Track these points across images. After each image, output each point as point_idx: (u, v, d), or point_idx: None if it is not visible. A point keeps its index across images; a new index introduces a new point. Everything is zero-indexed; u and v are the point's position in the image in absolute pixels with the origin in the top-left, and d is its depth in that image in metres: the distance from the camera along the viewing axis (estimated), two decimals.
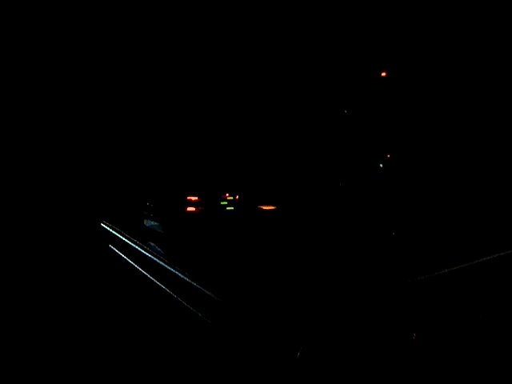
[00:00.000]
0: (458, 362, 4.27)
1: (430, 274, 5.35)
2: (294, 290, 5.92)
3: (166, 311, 5.72)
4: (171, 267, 6.21)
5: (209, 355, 4.73)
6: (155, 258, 6.66)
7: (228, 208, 8.75)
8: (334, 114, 8.28)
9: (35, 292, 6.22)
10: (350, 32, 8.00)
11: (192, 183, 9.14)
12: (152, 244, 8.06)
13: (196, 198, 9.16)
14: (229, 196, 8.78)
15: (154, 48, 8.31)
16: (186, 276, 5.91)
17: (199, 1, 8.22)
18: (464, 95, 7.38)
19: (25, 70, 7.56)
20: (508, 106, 7.14)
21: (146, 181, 9.03)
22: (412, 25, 7.73)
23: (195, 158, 9.10)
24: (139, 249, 7.11)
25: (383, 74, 7.96)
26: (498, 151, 7.09)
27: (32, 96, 7.79)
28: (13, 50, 7.53)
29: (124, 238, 7.63)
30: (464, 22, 7.36)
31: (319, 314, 5.05)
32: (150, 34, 8.26)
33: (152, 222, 9.13)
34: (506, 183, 6.83)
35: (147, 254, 6.92)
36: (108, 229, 8.15)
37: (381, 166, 7.93)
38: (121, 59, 8.29)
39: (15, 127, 7.71)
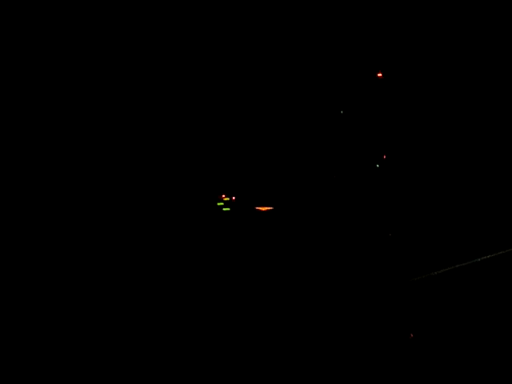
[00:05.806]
0: (456, 362, 4.27)
1: (426, 274, 5.35)
2: (292, 292, 5.92)
3: (162, 313, 5.71)
4: (168, 270, 6.21)
5: None
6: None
7: (224, 209, 8.73)
8: (331, 115, 8.29)
9: (31, 294, 6.19)
10: (345, 32, 8.01)
11: (188, 183, 9.14)
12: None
13: (193, 199, 9.16)
14: (225, 197, 8.77)
15: (155, 50, 8.32)
16: (183, 279, 5.90)
17: (199, 1, 8.24)
18: (461, 96, 7.40)
19: (18, 69, 7.55)
20: (506, 108, 7.16)
21: (142, 182, 9.02)
22: (408, 26, 7.75)
23: (192, 157, 9.10)
24: None
25: (379, 75, 7.97)
26: (494, 153, 7.11)
27: (29, 97, 7.77)
28: (12, 49, 7.51)
29: None
30: (461, 24, 7.38)
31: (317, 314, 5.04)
32: (150, 33, 8.26)
33: (148, 224, 9.10)
34: (502, 185, 6.85)
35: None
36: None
37: (377, 166, 7.94)
38: (120, 59, 8.29)
39: (12, 128, 7.69)
